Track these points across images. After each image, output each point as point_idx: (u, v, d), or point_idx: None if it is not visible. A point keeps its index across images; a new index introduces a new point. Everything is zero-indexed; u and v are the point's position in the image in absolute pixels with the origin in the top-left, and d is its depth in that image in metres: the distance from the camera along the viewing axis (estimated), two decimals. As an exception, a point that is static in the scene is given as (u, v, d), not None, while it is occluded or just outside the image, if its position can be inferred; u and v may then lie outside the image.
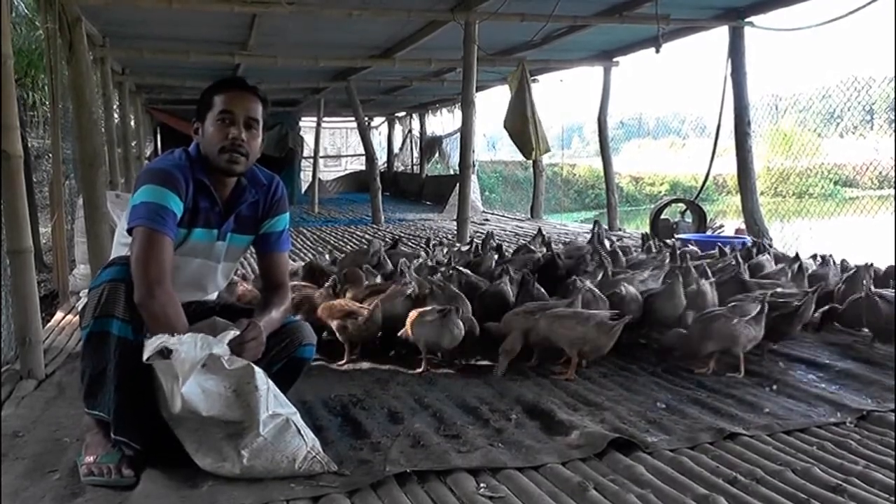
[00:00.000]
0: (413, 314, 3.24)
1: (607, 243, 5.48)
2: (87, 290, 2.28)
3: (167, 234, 2.15)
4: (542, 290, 3.69)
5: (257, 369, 2.06)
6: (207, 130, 2.28)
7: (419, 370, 3.23)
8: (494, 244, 5.49)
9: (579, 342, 3.10)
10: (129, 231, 2.18)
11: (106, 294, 2.12)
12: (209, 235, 2.34)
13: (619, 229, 9.74)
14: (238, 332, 2.10)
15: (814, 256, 4.67)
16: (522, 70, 8.25)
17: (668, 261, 4.32)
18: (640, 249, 5.35)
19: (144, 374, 2.05)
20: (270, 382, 2.11)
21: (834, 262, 4.39)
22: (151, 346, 1.97)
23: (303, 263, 4.89)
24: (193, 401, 1.99)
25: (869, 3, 5.57)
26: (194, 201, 2.27)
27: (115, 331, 2.10)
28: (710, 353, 3.16)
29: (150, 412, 2.10)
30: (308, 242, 8.61)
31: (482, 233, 9.27)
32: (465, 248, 5.72)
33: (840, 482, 2.05)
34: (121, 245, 2.35)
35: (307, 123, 17.12)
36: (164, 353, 1.96)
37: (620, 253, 4.83)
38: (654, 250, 5.07)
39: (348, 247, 8.06)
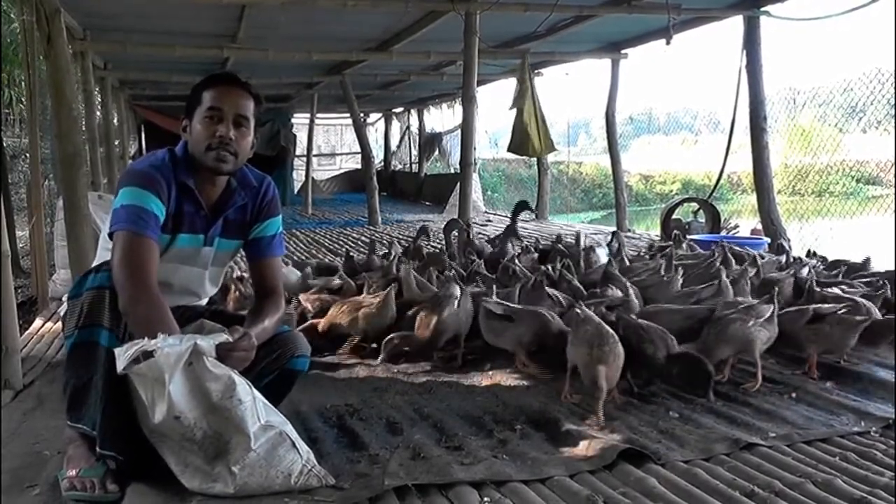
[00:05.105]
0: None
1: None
2: (66, 297, 2.28)
3: (149, 237, 2.16)
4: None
5: (238, 381, 2.04)
6: (195, 128, 2.29)
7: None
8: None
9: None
10: (111, 236, 2.18)
11: (89, 303, 2.12)
12: (195, 241, 2.34)
13: (629, 230, 9.74)
14: (228, 338, 2.09)
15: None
16: (524, 63, 8.26)
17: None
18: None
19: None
20: (256, 392, 2.10)
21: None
22: (125, 354, 1.94)
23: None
24: (178, 402, 1.97)
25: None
26: (178, 205, 2.27)
27: (103, 341, 2.10)
28: (724, 358, 3.16)
29: (136, 423, 2.09)
30: (301, 245, 8.62)
31: (484, 234, 9.31)
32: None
33: (864, 494, 2.05)
34: (105, 250, 2.35)
35: (300, 120, 17.14)
36: (143, 357, 1.94)
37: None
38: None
39: (344, 250, 8.06)
